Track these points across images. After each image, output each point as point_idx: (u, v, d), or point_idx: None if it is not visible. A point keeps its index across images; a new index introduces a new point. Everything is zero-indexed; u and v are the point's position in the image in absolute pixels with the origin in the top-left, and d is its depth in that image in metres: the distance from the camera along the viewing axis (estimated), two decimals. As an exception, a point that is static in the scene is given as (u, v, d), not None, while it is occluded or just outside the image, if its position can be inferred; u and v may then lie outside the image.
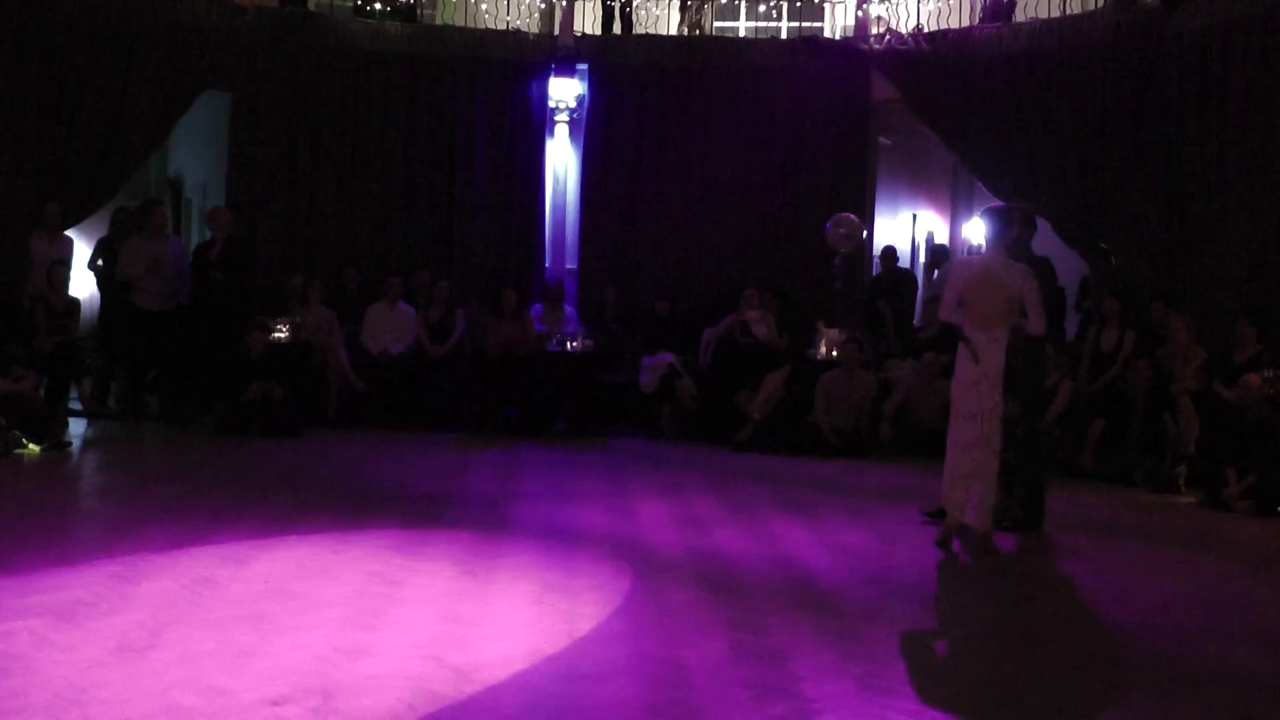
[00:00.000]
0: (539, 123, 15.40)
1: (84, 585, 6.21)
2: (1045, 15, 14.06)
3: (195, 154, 16.12)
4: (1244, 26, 12.14)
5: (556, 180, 15.55)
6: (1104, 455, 11.19)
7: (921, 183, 17.38)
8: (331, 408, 12.96)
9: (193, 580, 6.30)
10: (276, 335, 12.65)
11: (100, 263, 13.48)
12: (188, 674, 4.85)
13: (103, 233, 13.88)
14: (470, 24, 15.83)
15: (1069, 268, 13.20)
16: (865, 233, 14.15)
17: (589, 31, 15.74)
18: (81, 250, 13.53)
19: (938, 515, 8.38)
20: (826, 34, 16.47)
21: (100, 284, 13.57)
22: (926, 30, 14.74)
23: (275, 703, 4.58)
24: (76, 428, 11.89)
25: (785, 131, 15.14)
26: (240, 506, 8.42)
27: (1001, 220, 7.99)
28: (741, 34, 17.10)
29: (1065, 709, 4.90)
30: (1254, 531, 9.15)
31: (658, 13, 16.00)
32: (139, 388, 13.01)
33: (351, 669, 5.00)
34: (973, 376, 7.78)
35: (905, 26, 14.91)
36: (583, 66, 15.31)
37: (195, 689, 4.68)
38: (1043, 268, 8.74)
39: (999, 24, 14.34)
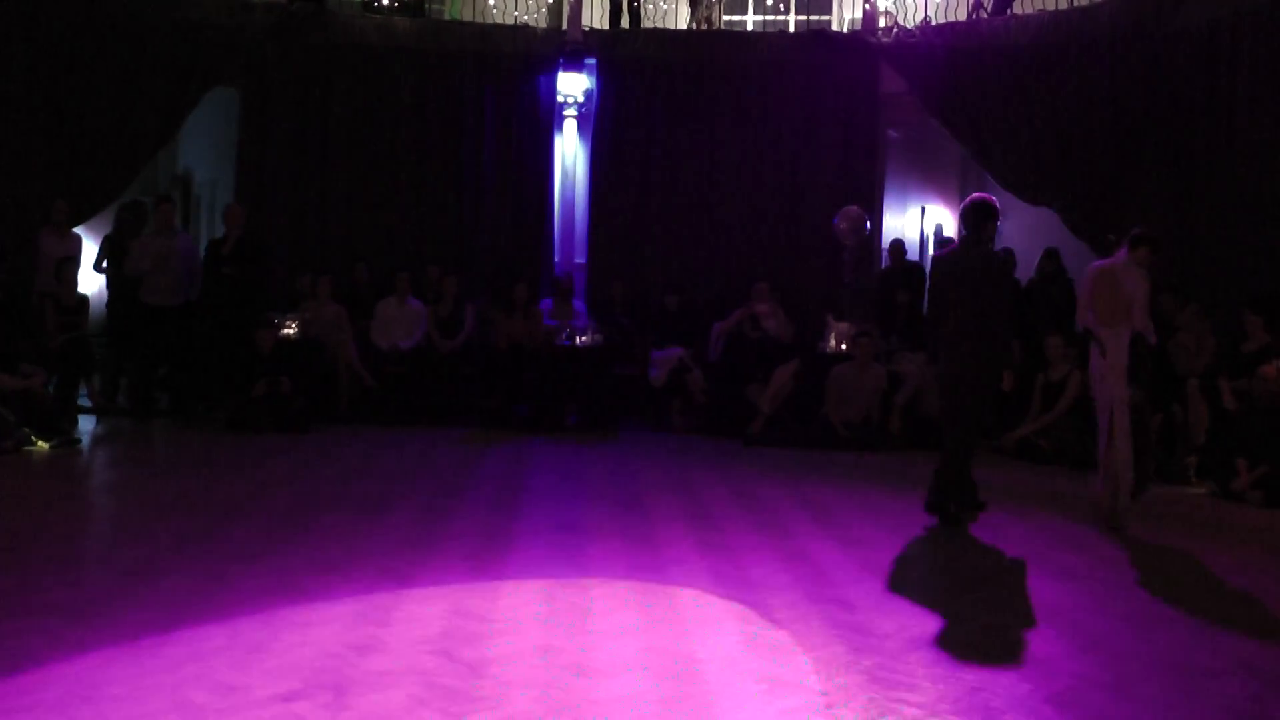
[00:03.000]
0: (547, 117, 15.42)
1: (95, 582, 6.23)
2: (1052, 8, 14.03)
3: (204, 150, 16.14)
4: (1251, 18, 12.12)
5: (565, 175, 15.55)
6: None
7: (930, 176, 17.34)
8: (341, 403, 12.98)
9: (203, 576, 6.30)
10: (286, 331, 12.66)
11: (105, 264, 13.48)
12: (199, 670, 4.85)
13: (108, 230, 13.89)
14: (478, 19, 15.84)
15: (1077, 259, 13.18)
16: (868, 224, 14.13)
17: (597, 26, 15.74)
18: (89, 247, 13.55)
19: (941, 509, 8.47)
20: (834, 27, 16.46)
21: (108, 281, 13.58)
22: (934, 23, 14.72)
23: (287, 698, 4.58)
24: (86, 424, 11.93)
25: (794, 125, 15.14)
26: (250, 502, 8.43)
27: (981, 214, 8.41)
28: (749, 28, 17.08)
29: (1075, 699, 4.88)
30: (1265, 522, 9.13)
31: (665, 7, 16.00)
32: (149, 384, 13.02)
33: (363, 664, 5.00)
34: (1102, 369, 8.53)
35: (912, 20, 14.88)
36: (591, 61, 15.32)
37: (207, 685, 4.69)
38: (1007, 260, 9.14)
39: (1006, 16, 14.33)
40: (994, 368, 8.38)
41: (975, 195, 8.66)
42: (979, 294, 8.27)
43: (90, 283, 13.64)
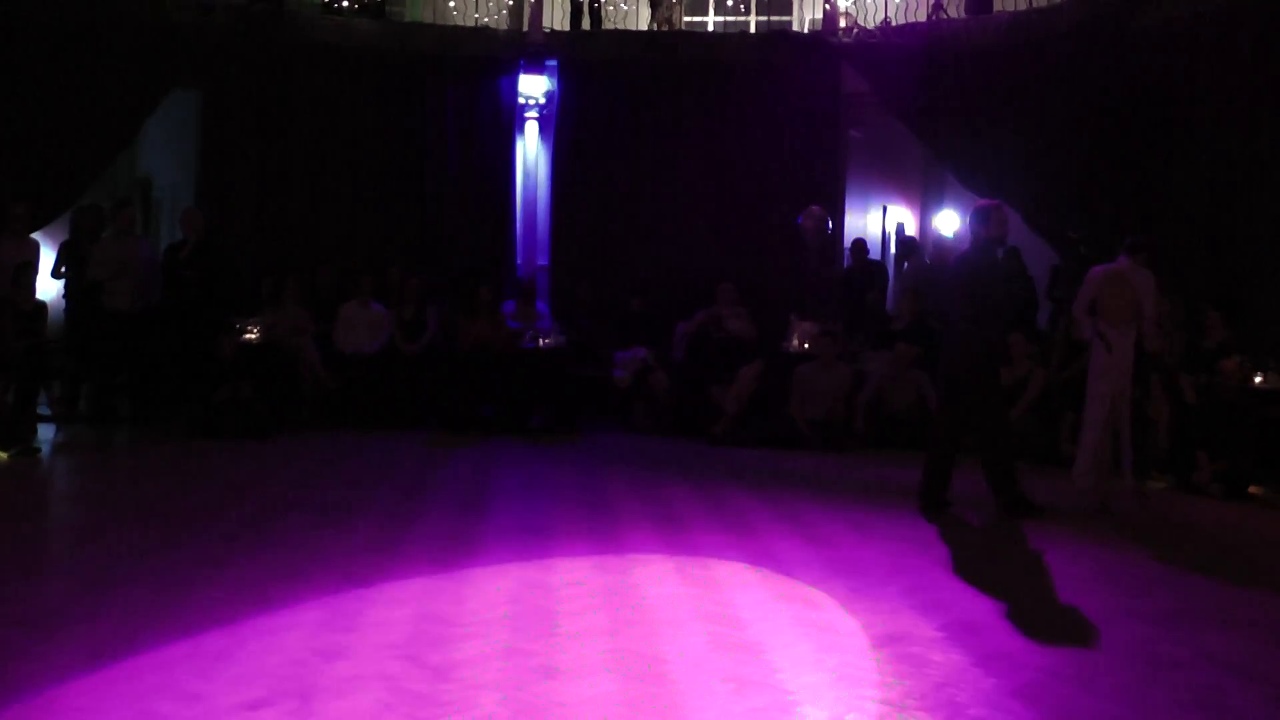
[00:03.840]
0: (509, 119, 15.39)
1: (56, 593, 6.18)
2: (1013, 8, 14.12)
3: (164, 154, 16.00)
4: (1208, 19, 12.23)
5: (527, 176, 15.53)
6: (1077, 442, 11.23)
7: (892, 175, 17.40)
8: (305, 408, 12.91)
9: (166, 585, 6.26)
10: (248, 336, 12.58)
11: (64, 269, 13.34)
12: (163, 680, 4.82)
13: (63, 236, 13.74)
14: (439, 21, 15.79)
15: (1039, 257, 13.27)
16: (830, 224, 14.17)
17: (558, 27, 15.72)
18: (46, 253, 13.40)
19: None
20: (795, 28, 16.51)
21: (67, 286, 13.43)
22: (894, 24, 14.78)
23: (252, 706, 4.56)
24: (46, 433, 11.79)
25: (756, 125, 15.15)
26: (213, 509, 8.37)
27: (978, 219, 8.95)
28: (710, 29, 17.10)
29: (1040, 692, 4.92)
30: (1225, 515, 9.22)
31: (626, 8, 16.01)
32: (109, 391, 12.90)
33: (328, 670, 4.98)
34: (1107, 366, 9.11)
35: (872, 21, 14.94)
36: (552, 62, 15.30)
37: (170, 695, 4.66)
38: (1013, 258, 9.42)
39: (967, 17, 14.40)
40: (990, 364, 8.84)
41: (981, 201, 9.26)
42: (974, 293, 8.74)
43: (48, 289, 13.50)
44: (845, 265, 15.16)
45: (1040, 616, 6.12)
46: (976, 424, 8.98)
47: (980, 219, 8.90)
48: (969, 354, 8.76)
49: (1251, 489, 9.89)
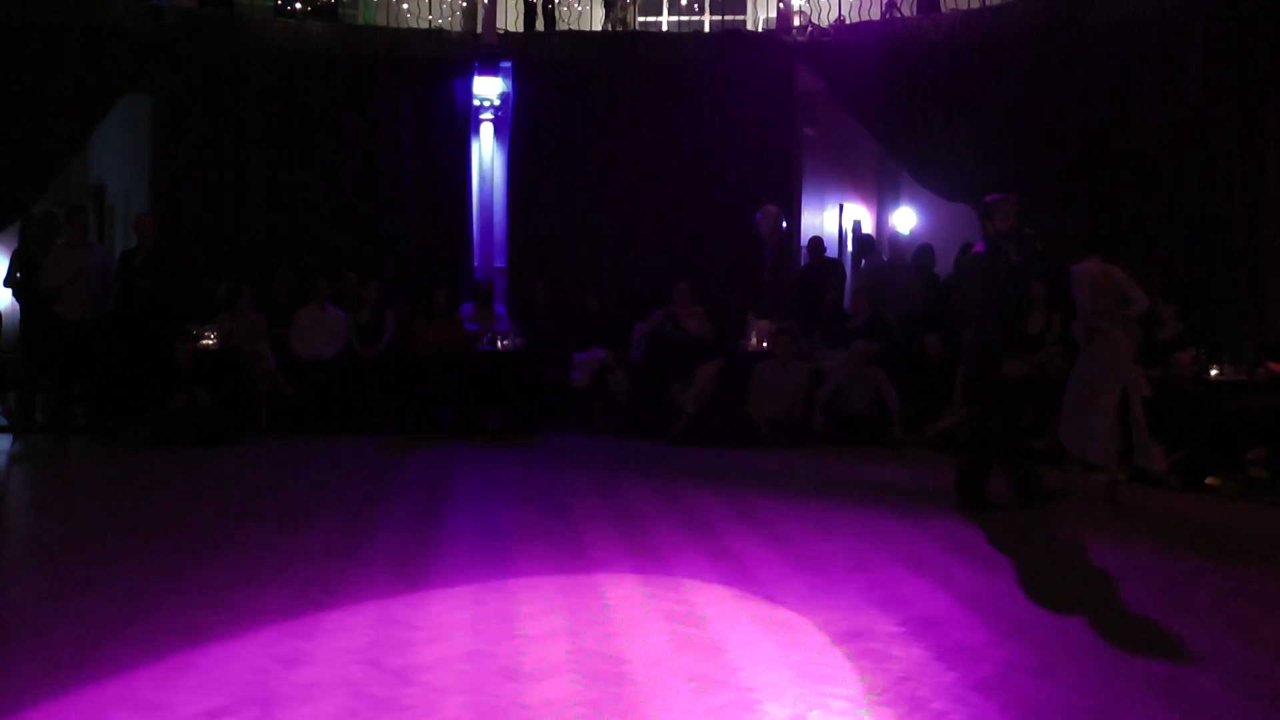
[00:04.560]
0: (464, 121, 15.38)
1: (13, 604, 6.12)
2: (965, 7, 14.22)
3: (117, 159, 15.87)
4: (1157, 18, 12.37)
5: (483, 178, 15.51)
6: (1036, 435, 11.31)
7: (847, 173, 17.46)
8: (262, 414, 12.82)
9: (125, 595, 6.21)
10: (205, 342, 12.49)
11: (19, 275, 13.22)
12: (123, 690, 4.78)
13: (13, 245, 13.60)
14: (392, 23, 15.74)
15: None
16: (784, 222, 14.20)
17: (512, 29, 15.70)
18: (-2, 262, 13.30)
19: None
20: (750, 27, 16.55)
21: (19, 295, 13.30)
22: (848, 22, 14.84)
23: (214, 715, 4.54)
24: (1, 443, 11.69)
25: (711, 124, 15.19)
26: (172, 518, 8.31)
27: (982, 215, 8.99)
28: (665, 28, 17.13)
29: (1000, 685, 4.96)
30: (1182, 505, 9.34)
31: (580, 8, 16.00)
32: (66, 400, 12.78)
33: (290, 677, 4.96)
34: (1114, 359, 9.42)
35: (826, 19, 15.00)
36: (506, 64, 15.29)
37: (131, 705, 4.63)
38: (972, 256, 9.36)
39: (921, 15, 14.48)
40: (991, 361, 8.73)
41: (990, 195, 9.09)
42: (969, 294, 8.92)
43: (-1, 299, 13.40)
44: (802, 263, 15.22)
45: (1000, 609, 6.17)
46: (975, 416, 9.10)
47: (985, 215, 8.88)
48: (981, 352, 8.77)
49: (1208, 480, 10.00)
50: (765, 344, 13.07)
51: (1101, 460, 9.56)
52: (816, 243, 15.01)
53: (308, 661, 5.16)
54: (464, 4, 15.77)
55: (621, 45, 15.47)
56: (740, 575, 6.81)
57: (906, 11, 14.71)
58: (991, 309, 8.75)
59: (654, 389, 13.08)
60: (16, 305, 13.43)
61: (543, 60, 15.37)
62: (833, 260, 15.41)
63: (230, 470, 10.54)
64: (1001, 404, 8.83)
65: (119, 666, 5.06)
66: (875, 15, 14.78)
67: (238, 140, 14.65)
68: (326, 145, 14.95)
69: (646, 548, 7.50)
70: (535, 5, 15.85)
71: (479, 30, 15.46)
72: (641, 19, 16.77)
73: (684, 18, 17.11)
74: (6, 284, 13.31)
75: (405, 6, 15.72)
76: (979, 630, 5.78)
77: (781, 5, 15.41)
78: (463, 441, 12.40)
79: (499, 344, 13.24)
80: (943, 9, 14.59)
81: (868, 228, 17.04)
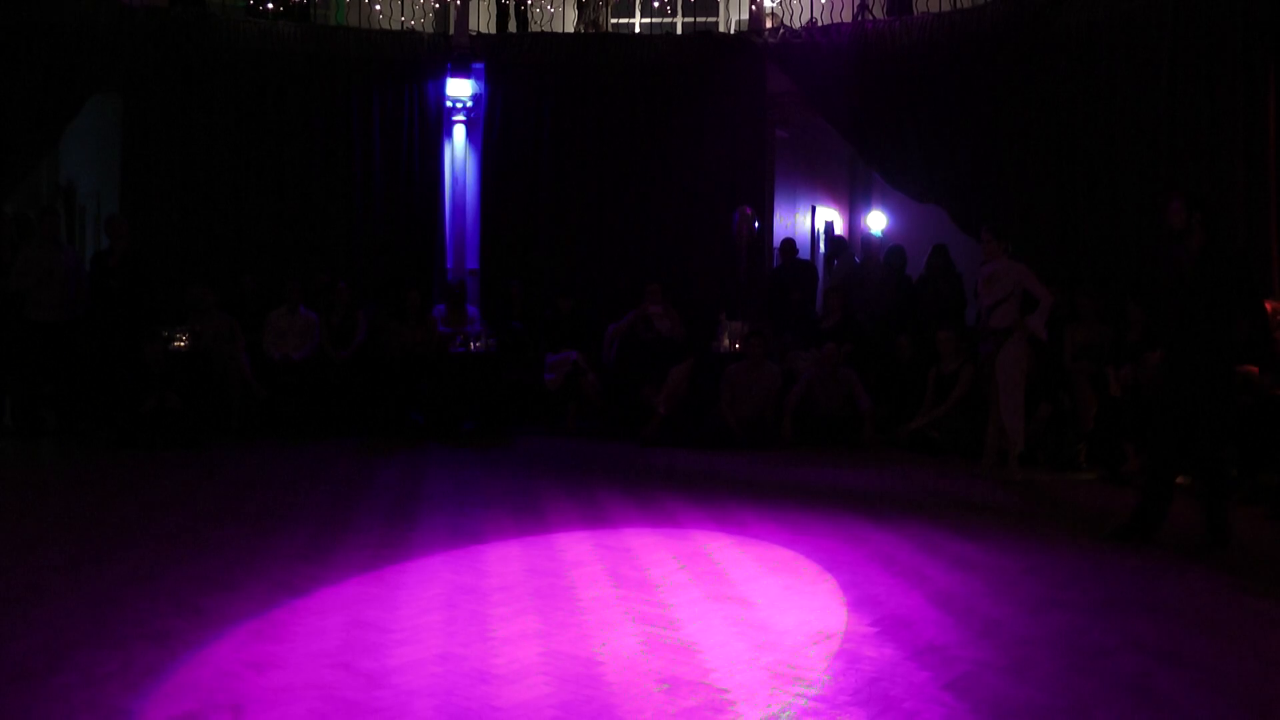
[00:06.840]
0: (436, 123, 15.34)
1: (-19, 608, 6.07)
2: (937, 9, 14.27)
3: (87, 160, 15.77)
4: (1126, 20, 12.44)
5: (455, 180, 15.47)
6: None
7: (819, 174, 17.53)
8: (233, 417, 12.77)
9: (94, 600, 6.17)
10: (176, 345, 12.42)
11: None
12: (92, 697, 4.75)
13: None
14: (364, 24, 15.69)
15: (966, 255, 13.41)
16: (756, 223, 14.23)
17: (484, 30, 15.68)
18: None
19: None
20: (721, 29, 16.57)
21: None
22: (820, 24, 14.87)
23: None
24: (-31, 446, 11.62)
25: (683, 126, 15.20)
26: (142, 522, 8.26)
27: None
28: (637, 30, 17.13)
29: (973, 684, 4.97)
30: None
31: (553, 10, 15.98)
32: (35, 402, 12.68)
33: (260, 682, 4.93)
34: (1026, 354, 10.34)
35: (798, 21, 15.03)
36: (479, 65, 15.26)
37: (100, 712, 4.59)
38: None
39: (892, 17, 14.53)
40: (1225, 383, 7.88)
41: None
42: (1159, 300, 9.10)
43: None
44: (774, 265, 15.25)
45: (972, 609, 6.19)
46: None
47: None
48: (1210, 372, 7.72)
49: (1177, 479, 10.02)
50: (737, 345, 13.09)
51: (1015, 451, 10.35)
52: (789, 244, 15.04)
53: (278, 665, 5.14)
54: (436, 5, 15.73)
55: (594, 47, 15.47)
56: (712, 575, 6.82)
57: (878, 13, 14.74)
58: (1222, 319, 7.63)
59: (626, 390, 13.09)
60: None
61: (515, 62, 15.35)
62: (805, 262, 15.44)
63: (201, 473, 10.48)
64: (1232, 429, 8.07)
65: (87, 673, 5.02)
66: (847, 17, 14.80)
67: (208, 141, 14.58)
68: (298, 146, 14.89)
69: (619, 549, 7.50)
70: (508, 7, 15.83)
71: (451, 31, 15.44)
72: (614, 21, 16.77)
73: (656, 20, 17.12)
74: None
75: (377, 7, 15.67)
76: (951, 630, 5.80)
77: (753, 7, 15.43)
78: (435, 443, 12.38)
79: (471, 346, 13.23)
80: (914, 11, 14.65)
81: (840, 229, 17.09)
